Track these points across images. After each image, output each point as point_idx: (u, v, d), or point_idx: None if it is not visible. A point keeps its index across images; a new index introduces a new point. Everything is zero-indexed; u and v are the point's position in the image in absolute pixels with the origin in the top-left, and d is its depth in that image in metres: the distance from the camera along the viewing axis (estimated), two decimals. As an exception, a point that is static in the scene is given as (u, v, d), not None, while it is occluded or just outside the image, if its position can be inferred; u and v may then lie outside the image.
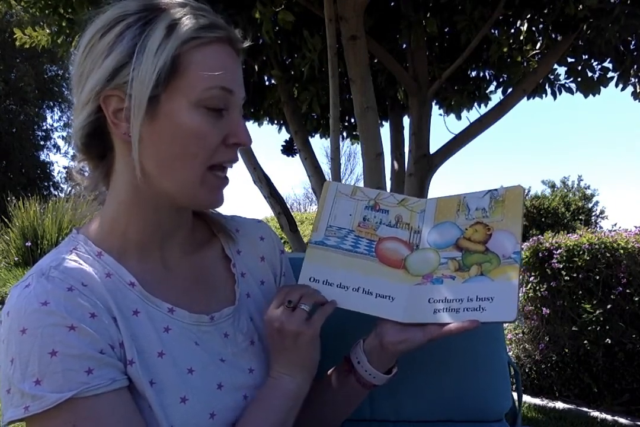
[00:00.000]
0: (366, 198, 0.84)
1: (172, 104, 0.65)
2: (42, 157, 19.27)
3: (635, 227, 3.52)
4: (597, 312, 3.24)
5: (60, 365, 0.59)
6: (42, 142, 19.06)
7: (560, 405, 3.36)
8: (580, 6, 2.75)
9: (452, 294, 0.74)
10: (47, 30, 3.34)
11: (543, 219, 10.23)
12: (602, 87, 3.30)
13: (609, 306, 3.23)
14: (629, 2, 2.87)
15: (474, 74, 3.72)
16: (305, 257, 0.80)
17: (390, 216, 0.83)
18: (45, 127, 19.18)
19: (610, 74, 3.29)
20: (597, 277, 3.28)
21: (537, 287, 3.50)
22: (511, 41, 3.33)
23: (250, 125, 4.74)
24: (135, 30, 0.64)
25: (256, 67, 3.33)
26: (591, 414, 3.21)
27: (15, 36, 3.39)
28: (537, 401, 3.44)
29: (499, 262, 0.74)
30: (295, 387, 0.72)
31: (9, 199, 6.85)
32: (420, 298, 0.76)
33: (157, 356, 0.66)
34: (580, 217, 11.12)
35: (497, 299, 0.71)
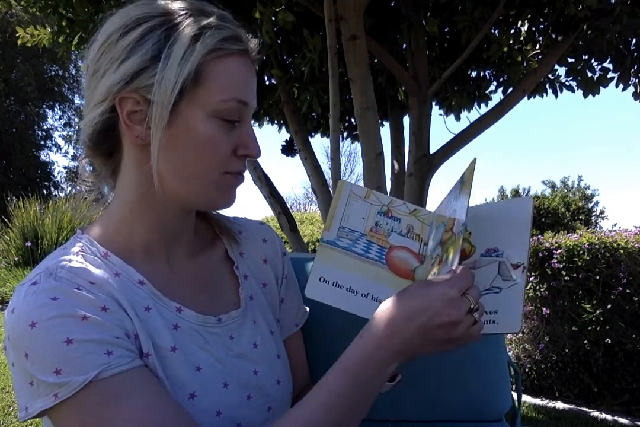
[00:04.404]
0: (379, 203, 0.84)
1: (189, 112, 0.65)
2: (42, 157, 19.30)
3: (635, 227, 3.52)
4: (597, 312, 3.24)
5: (78, 351, 0.58)
6: (42, 142, 19.08)
7: (560, 405, 3.36)
8: (581, 6, 2.75)
9: None
10: (49, 29, 3.34)
11: (543, 219, 10.23)
12: (602, 87, 3.30)
13: (609, 306, 3.23)
14: (629, 2, 2.87)
15: (474, 74, 3.72)
16: (317, 256, 0.80)
17: (401, 225, 0.83)
18: (45, 127, 19.22)
19: (610, 74, 3.29)
20: (597, 277, 3.28)
21: (537, 287, 3.50)
22: (511, 41, 3.33)
23: (251, 125, 4.73)
24: (160, 34, 0.64)
25: (256, 67, 3.33)
26: (591, 414, 3.21)
27: (17, 35, 3.39)
28: (537, 401, 3.44)
29: (455, 237, 0.72)
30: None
31: (9, 199, 6.85)
32: None
33: (170, 350, 0.66)
34: (580, 217, 11.12)
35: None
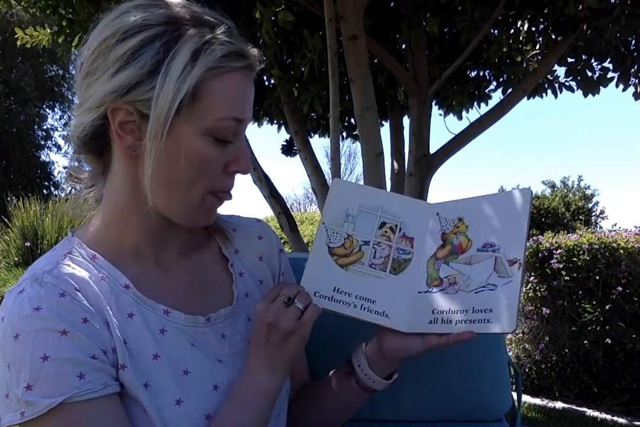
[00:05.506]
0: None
1: (183, 128, 0.64)
2: (43, 157, 19.26)
3: (635, 227, 3.53)
4: (597, 312, 3.24)
5: (52, 369, 0.59)
6: (42, 142, 19.07)
7: (560, 405, 3.36)
8: (580, 6, 2.75)
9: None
10: (48, 30, 3.34)
11: (543, 219, 10.23)
12: (602, 87, 3.31)
13: (608, 306, 3.23)
14: (629, 2, 2.88)
15: (474, 74, 3.73)
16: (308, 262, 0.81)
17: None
18: (45, 127, 19.19)
19: (610, 74, 3.30)
20: (597, 277, 3.28)
21: (537, 287, 3.50)
22: (511, 41, 3.34)
23: (250, 126, 4.74)
24: (159, 47, 0.61)
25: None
26: (591, 414, 3.21)
27: (16, 36, 3.39)
28: (537, 401, 3.44)
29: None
30: (271, 386, 0.70)
31: (9, 199, 6.84)
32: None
33: (151, 358, 0.66)
34: (580, 217, 11.11)
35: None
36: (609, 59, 3.26)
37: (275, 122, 4.07)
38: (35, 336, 0.60)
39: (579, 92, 3.42)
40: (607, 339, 3.22)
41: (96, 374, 0.61)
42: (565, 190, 13.43)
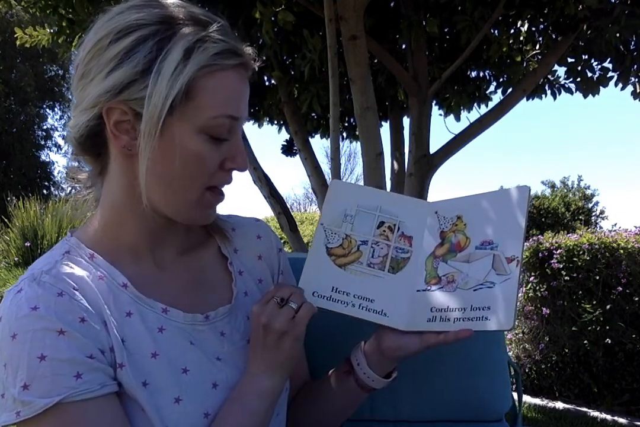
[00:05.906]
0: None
1: (178, 127, 0.64)
2: (43, 157, 19.28)
3: (635, 227, 3.53)
4: (597, 312, 3.24)
5: (49, 369, 0.59)
6: (42, 142, 19.07)
7: (560, 405, 3.36)
8: (580, 6, 2.75)
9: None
10: (48, 30, 3.34)
11: (543, 219, 10.22)
12: (601, 87, 3.31)
13: (608, 306, 3.23)
14: (629, 2, 2.88)
15: (474, 74, 3.73)
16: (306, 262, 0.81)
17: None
18: (45, 127, 19.20)
19: (610, 74, 3.30)
20: (597, 277, 3.28)
21: (537, 287, 3.50)
22: (511, 41, 3.34)
23: (251, 126, 4.74)
24: (152, 46, 0.62)
25: (256, 68, 3.33)
26: (591, 414, 3.21)
27: (16, 35, 3.39)
28: (537, 401, 3.44)
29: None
30: (271, 387, 0.70)
31: (9, 199, 6.84)
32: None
33: (150, 356, 0.66)
34: (580, 217, 11.11)
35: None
36: (609, 59, 3.26)
37: (275, 122, 4.07)
38: (33, 336, 0.60)
39: (579, 92, 3.43)
40: (607, 339, 3.22)
41: (94, 374, 0.61)
42: (565, 191, 13.42)
